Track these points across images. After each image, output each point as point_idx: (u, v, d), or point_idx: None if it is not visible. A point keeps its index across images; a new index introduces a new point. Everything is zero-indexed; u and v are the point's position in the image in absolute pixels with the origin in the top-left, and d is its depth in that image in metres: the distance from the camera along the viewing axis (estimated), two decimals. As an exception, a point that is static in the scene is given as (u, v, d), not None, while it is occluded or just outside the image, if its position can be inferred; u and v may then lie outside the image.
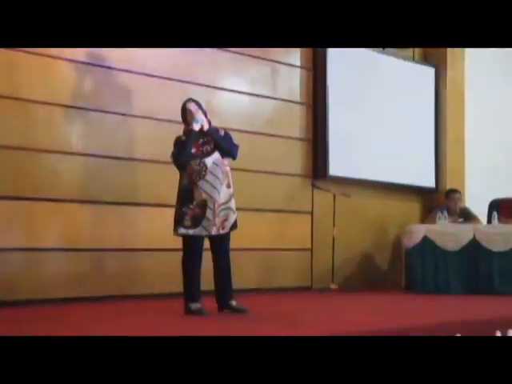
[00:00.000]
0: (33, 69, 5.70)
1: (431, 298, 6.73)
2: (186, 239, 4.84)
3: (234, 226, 4.95)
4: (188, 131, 4.92)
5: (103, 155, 6.10)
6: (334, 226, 7.63)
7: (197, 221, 4.77)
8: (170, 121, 6.54)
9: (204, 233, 4.81)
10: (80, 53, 5.90)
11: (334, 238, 7.62)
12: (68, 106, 5.91)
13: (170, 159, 4.93)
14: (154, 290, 6.22)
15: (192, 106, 4.91)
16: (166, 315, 4.95)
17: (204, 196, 4.78)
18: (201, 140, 4.88)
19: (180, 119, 6.17)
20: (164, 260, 6.22)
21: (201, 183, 4.79)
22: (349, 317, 4.99)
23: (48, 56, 5.74)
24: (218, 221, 4.83)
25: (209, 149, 4.87)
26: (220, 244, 4.94)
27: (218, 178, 4.83)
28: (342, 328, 4.07)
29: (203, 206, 4.78)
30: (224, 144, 4.92)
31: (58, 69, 5.86)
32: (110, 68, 6.15)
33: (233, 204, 4.92)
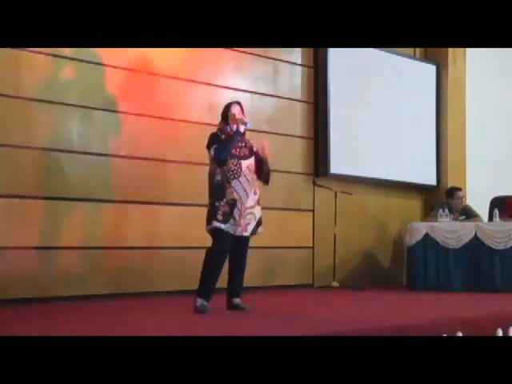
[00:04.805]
0: (34, 67, 5.73)
1: (432, 295, 6.74)
2: (217, 234, 4.88)
3: (253, 232, 5.01)
4: (221, 130, 4.99)
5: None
6: (335, 223, 7.66)
7: (227, 217, 4.86)
8: (172, 119, 6.58)
9: (231, 231, 4.86)
10: (81, 52, 5.92)
11: (335, 236, 7.64)
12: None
13: (211, 152, 4.93)
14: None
15: (236, 109, 5.04)
16: (168, 314, 4.98)
17: (235, 195, 4.87)
18: (239, 143, 4.99)
19: (183, 117, 6.23)
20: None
21: (234, 182, 4.88)
22: (350, 315, 5.00)
23: (49, 55, 5.77)
24: (243, 222, 4.90)
25: (246, 152, 4.98)
26: (242, 246, 5.01)
27: (249, 181, 4.94)
28: (342, 327, 4.08)
29: (233, 204, 4.87)
30: (266, 169, 5.07)
31: (60, 67, 5.89)
32: (111, 67, 6.17)
33: (257, 211, 4.99)
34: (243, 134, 5.01)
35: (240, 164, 4.92)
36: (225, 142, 4.94)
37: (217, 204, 4.88)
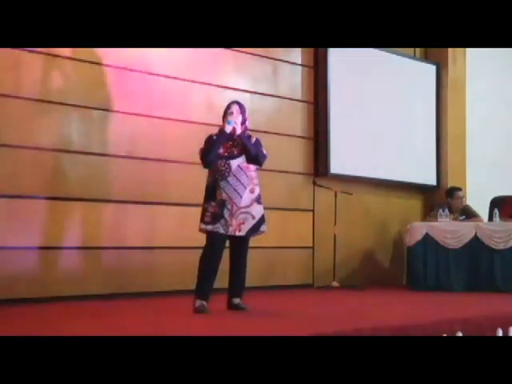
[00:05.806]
0: (34, 67, 5.73)
1: (432, 295, 6.74)
2: (207, 235, 4.90)
3: (253, 231, 4.96)
4: (220, 131, 5.00)
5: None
6: (335, 223, 7.65)
7: (216, 218, 4.84)
8: (172, 119, 6.57)
9: (221, 230, 4.84)
10: (81, 52, 5.92)
11: (335, 236, 7.64)
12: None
13: (198, 155, 4.98)
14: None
15: (234, 109, 5.00)
16: (168, 314, 4.98)
17: (223, 196, 4.85)
18: (230, 142, 4.95)
19: (183, 117, 6.17)
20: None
21: (223, 183, 4.87)
22: (350, 315, 5.00)
23: (49, 55, 5.77)
24: (234, 222, 4.86)
25: (235, 151, 4.94)
26: (240, 246, 4.99)
27: (240, 181, 4.90)
28: (342, 327, 4.08)
29: (222, 205, 4.84)
30: (252, 150, 4.95)
31: (60, 67, 5.89)
32: (111, 67, 6.17)
33: (254, 209, 4.94)
34: (231, 133, 4.93)
35: (229, 164, 4.89)
36: (212, 144, 4.92)
37: (206, 205, 4.90)
